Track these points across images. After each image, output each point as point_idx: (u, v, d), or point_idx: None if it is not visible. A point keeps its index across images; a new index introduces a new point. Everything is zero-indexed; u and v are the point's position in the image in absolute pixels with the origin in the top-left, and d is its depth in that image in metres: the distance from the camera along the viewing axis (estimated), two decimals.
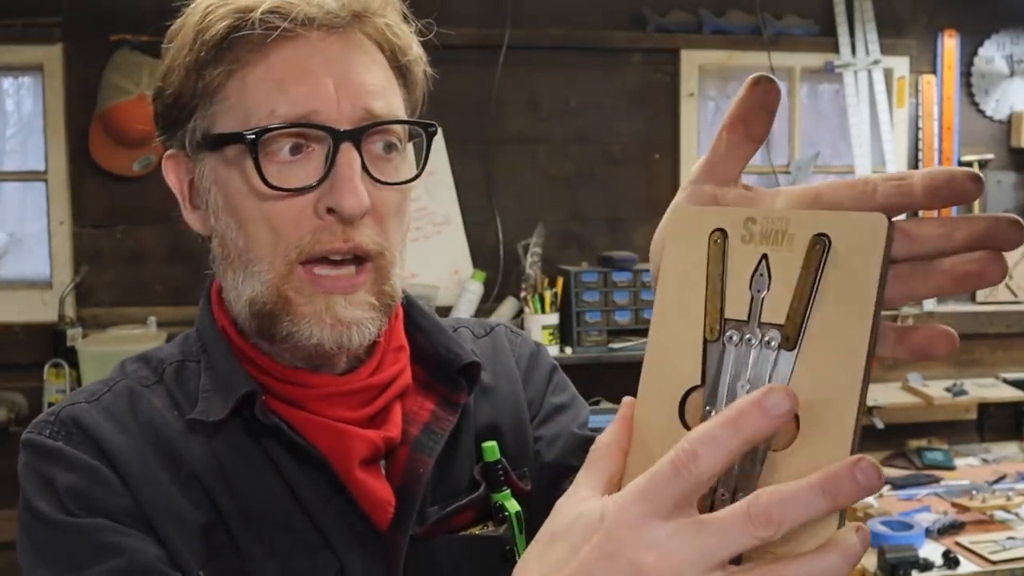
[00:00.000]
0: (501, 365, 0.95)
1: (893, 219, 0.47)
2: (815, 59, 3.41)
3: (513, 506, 0.89)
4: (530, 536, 0.89)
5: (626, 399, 0.53)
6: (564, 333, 3.06)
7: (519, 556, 0.88)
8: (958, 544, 2.52)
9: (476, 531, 0.88)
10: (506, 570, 0.88)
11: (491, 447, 0.90)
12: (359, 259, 0.79)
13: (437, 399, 0.89)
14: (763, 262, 0.49)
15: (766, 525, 0.43)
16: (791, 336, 0.48)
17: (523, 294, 3.05)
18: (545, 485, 0.92)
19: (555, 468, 0.93)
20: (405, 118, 0.82)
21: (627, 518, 0.46)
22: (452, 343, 0.91)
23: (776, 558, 0.45)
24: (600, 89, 3.30)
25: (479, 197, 3.25)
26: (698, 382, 0.50)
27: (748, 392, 0.48)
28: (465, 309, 3.12)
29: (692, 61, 3.34)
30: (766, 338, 0.48)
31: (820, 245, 0.47)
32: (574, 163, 3.31)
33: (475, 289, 3.16)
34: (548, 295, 3.03)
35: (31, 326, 3.05)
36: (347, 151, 0.76)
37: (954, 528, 2.60)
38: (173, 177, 0.85)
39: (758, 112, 0.51)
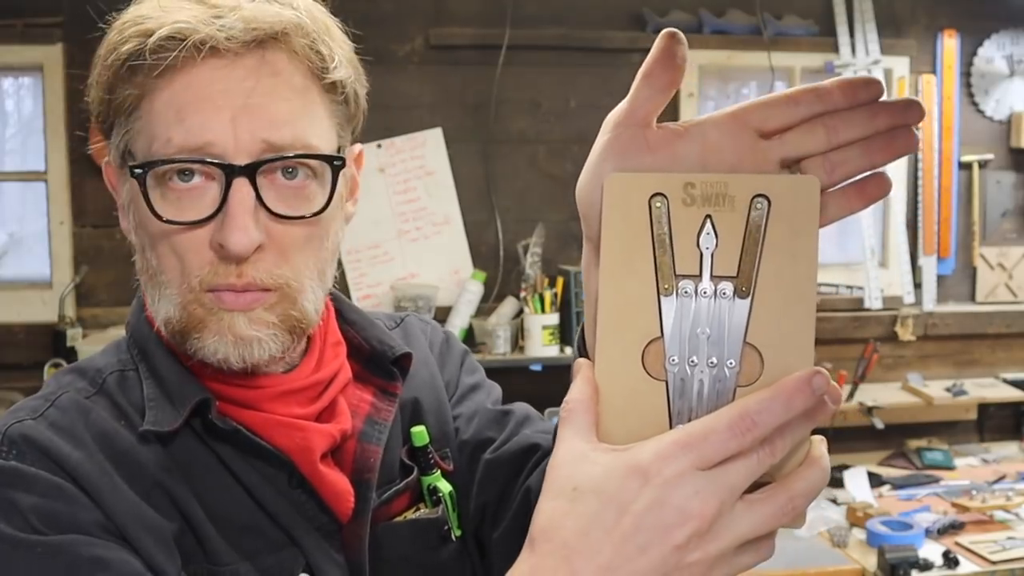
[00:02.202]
0: (417, 351, 0.97)
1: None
2: (815, 59, 3.41)
3: (446, 487, 0.93)
4: (460, 513, 0.93)
5: (581, 360, 0.58)
6: (564, 333, 3.06)
7: (455, 534, 0.92)
8: (958, 544, 2.52)
9: (413, 515, 0.92)
10: (445, 548, 0.92)
11: (420, 432, 0.93)
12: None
13: (374, 390, 0.92)
14: (708, 222, 0.54)
15: (752, 428, 0.50)
16: (745, 286, 0.54)
17: (523, 294, 3.05)
18: (465, 460, 0.97)
19: (473, 443, 0.97)
20: (317, 145, 0.78)
21: (675, 468, 0.50)
22: (384, 335, 0.93)
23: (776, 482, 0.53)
24: (600, 89, 3.30)
25: (479, 197, 3.25)
26: (657, 334, 0.55)
27: (708, 338, 0.54)
28: (465, 309, 3.12)
29: (692, 61, 3.34)
30: (720, 289, 0.54)
31: (761, 205, 0.54)
32: (574, 163, 3.31)
33: (475, 289, 3.16)
34: (548, 295, 3.03)
35: (31, 326, 3.05)
36: (239, 187, 0.74)
37: (954, 528, 2.60)
38: (111, 181, 0.84)
39: (674, 60, 0.55)
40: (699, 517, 0.50)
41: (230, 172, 0.74)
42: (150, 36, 0.73)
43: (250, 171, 0.75)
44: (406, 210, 3.21)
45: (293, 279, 0.78)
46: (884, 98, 0.54)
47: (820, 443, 0.55)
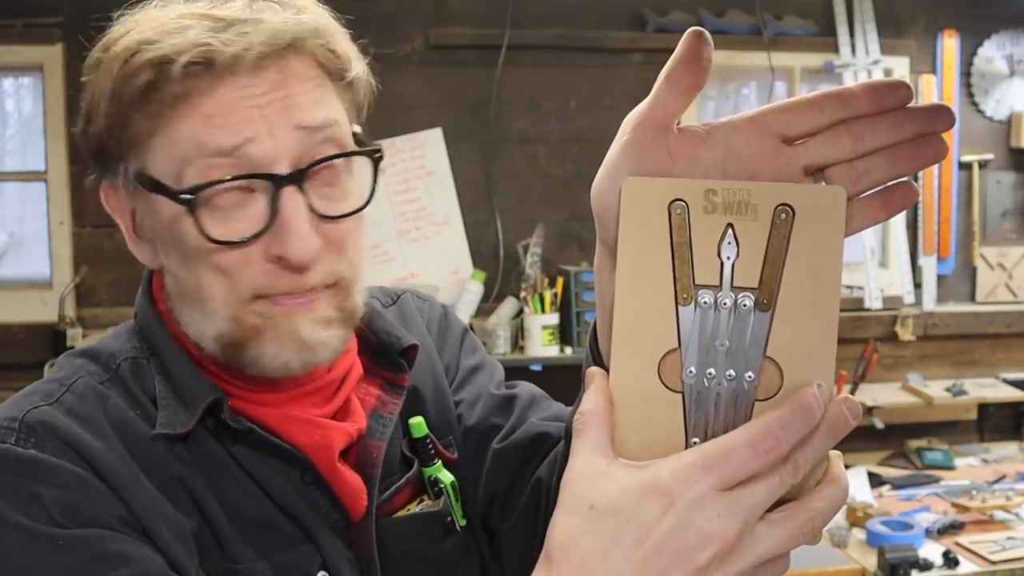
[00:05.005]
0: (413, 333, 0.94)
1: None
2: (815, 59, 3.41)
3: (447, 477, 0.91)
4: (465, 501, 0.92)
5: (595, 370, 0.56)
6: (564, 333, 3.06)
7: (458, 524, 0.91)
8: (958, 544, 2.52)
9: (416, 508, 0.90)
10: (450, 540, 0.91)
11: (418, 423, 0.92)
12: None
13: (381, 383, 0.91)
14: (729, 230, 0.52)
15: (776, 446, 0.49)
16: (767, 299, 0.52)
17: (523, 294, 3.05)
18: (471, 448, 0.95)
19: (479, 431, 0.95)
20: (344, 136, 0.78)
21: (697, 490, 0.49)
22: (390, 327, 0.92)
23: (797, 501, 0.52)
24: (600, 89, 3.30)
25: (479, 197, 3.25)
26: (674, 345, 0.53)
27: (726, 350, 0.52)
28: (465, 309, 3.12)
29: None
30: (740, 300, 0.52)
31: (785, 214, 0.52)
32: (574, 163, 3.31)
33: (475, 289, 3.16)
34: (548, 295, 3.03)
35: (31, 326, 3.05)
36: (290, 196, 0.74)
37: (954, 528, 2.60)
38: (114, 205, 0.81)
39: (700, 63, 0.53)
40: (721, 539, 0.49)
41: (278, 182, 0.73)
42: (170, 63, 0.71)
43: (298, 178, 0.74)
44: (406, 210, 3.21)
45: (347, 271, 0.79)
46: (913, 103, 0.52)
47: (838, 460, 0.54)
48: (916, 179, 3.47)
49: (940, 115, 0.52)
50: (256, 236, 0.74)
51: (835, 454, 0.54)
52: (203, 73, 0.72)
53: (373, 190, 0.79)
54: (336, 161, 0.77)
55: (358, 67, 0.81)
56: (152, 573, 0.70)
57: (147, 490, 0.74)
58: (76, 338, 2.96)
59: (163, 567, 0.71)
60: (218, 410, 0.79)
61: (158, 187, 0.75)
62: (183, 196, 0.73)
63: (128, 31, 0.75)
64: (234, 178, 0.73)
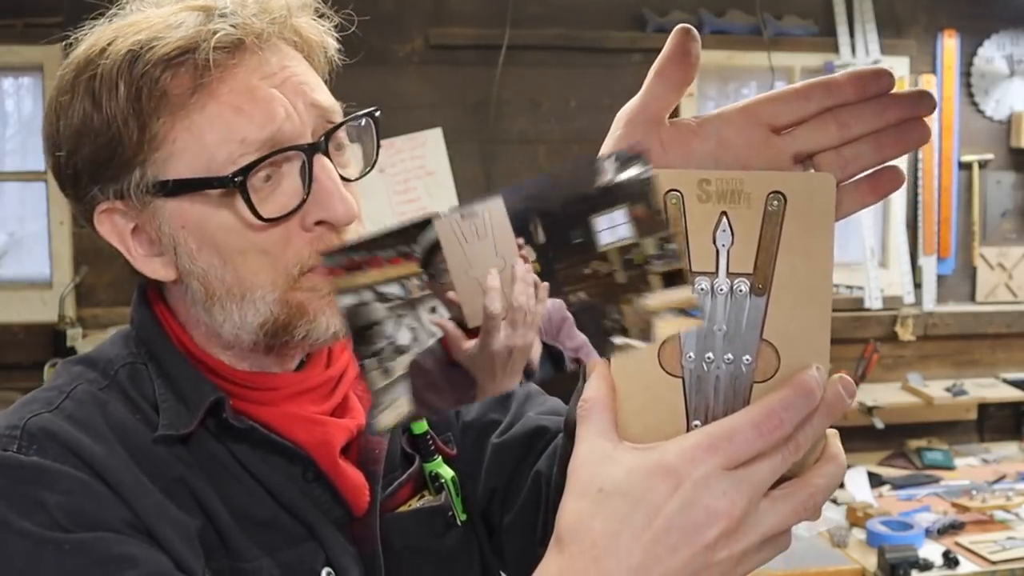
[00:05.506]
0: None
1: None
2: (815, 59, 3.41)
3: (448, 472, 0.92)
4: (465, 496, 0.93)
5: (596, 359, 0.57)
6: None
7: (459, 519, 0.92)
8: (958, 544, 2.52)
9: (418, 504, 0.91)
10: (451, 534, 0.91)
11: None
12: None
13: None
14: (724, 218, 0.54)
15: (779, 426, 0.51)
16: (762, 283, 0.53)
17: None
18: (470, 444, 0.96)
19: (478, 427, 0.96)
20: (343, 113, 0.82)
21: (703, 470, 0.50)
22: None
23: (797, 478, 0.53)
24: (600, 89, 3.30)
25: (479, 197, 3.25)
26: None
27: (724, 335, 0.53)
28: None
29: None
30: (736, 286, 0.54)
31: (777, 201, 0.53)
32: None
33: None
34: None
35: (31, 326, 3.05)
36: (322, 163, 0.77)
37: (954, 528, 2.61)
38: (109, 229, 0.81)
39: (688, 58, 0.55)
40: (728, 516, 0.50)
41: (310, 151, 0.76)
42: (188, 53, 0.72)
43: (324, 145, 0.77)
44: (406, 210, 3.21)
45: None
46: (895, 90, 0.54)
47: (835, 438, 0.56)
48: (916, 179, 3.47)
49: (922, 100, 0.55)
50: (300, 205, 0.76)
51: (832, 432, 0.55)
52: (222, 59, 0.73)
53: (378, 147, 0.84)
54: (339, 131, 0.80)
55: (334, 47, 0.84)
56: (159, 574, 0.70)
57: (150, 492, 0.74)
58: (76, 338, 2.96)
59: (170, 568, 0.71)
60: (219, 410, 0.79)
61: (194, 184, 0.75)
62: (235, 179, 0.74)
63: (115, 38, 0.76)
64: (274, 152, 0.75)
